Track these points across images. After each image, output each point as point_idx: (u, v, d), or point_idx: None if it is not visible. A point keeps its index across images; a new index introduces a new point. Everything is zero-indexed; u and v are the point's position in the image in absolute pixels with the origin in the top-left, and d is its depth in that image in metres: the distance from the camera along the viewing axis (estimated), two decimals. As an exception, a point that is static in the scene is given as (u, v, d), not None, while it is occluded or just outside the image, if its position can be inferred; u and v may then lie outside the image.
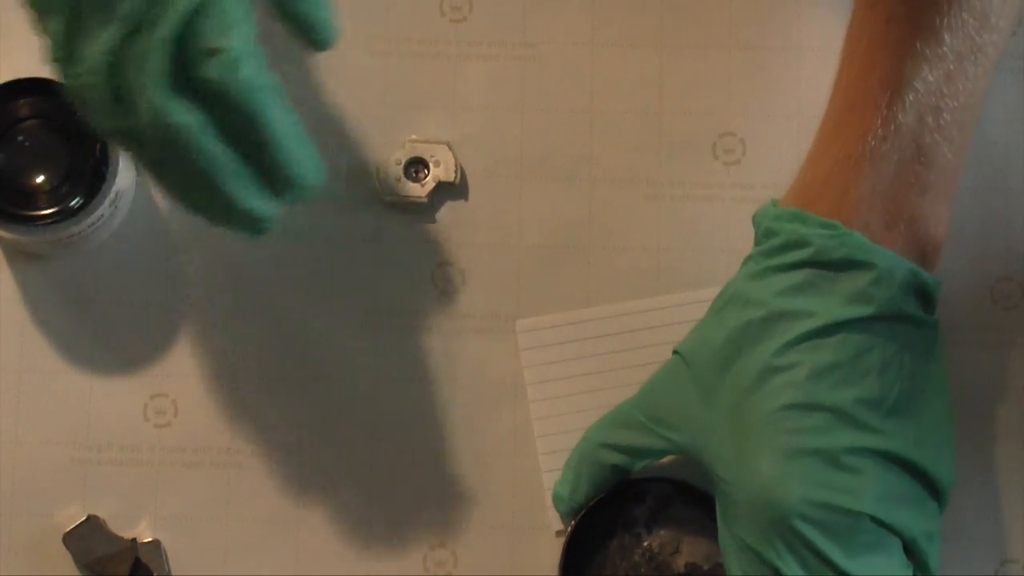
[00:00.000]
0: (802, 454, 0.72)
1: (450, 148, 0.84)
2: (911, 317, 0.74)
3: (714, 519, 0.79)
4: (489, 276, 0.85)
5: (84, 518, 0.82)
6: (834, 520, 0.72)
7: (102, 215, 0.80)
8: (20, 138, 0.79)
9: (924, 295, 0.75)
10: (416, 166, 0.85)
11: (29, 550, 0.82)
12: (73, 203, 0.79)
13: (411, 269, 0.85)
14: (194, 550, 0.83)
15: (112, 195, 0.79)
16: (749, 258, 0.77)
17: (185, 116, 0.67)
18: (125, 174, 0.81)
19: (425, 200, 0.84)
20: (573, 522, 0.80)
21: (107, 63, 0.67)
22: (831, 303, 0.73)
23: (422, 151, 0.85)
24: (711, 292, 0.84)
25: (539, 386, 0.84)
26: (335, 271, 0.84)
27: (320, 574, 0.82)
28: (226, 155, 0.68)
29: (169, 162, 0.69)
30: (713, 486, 0.76)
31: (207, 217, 0.71)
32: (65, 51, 0.68)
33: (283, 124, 0.68)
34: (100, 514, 0.82)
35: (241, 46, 0.67)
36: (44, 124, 0.79)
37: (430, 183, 0.84)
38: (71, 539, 0.82)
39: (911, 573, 0.74)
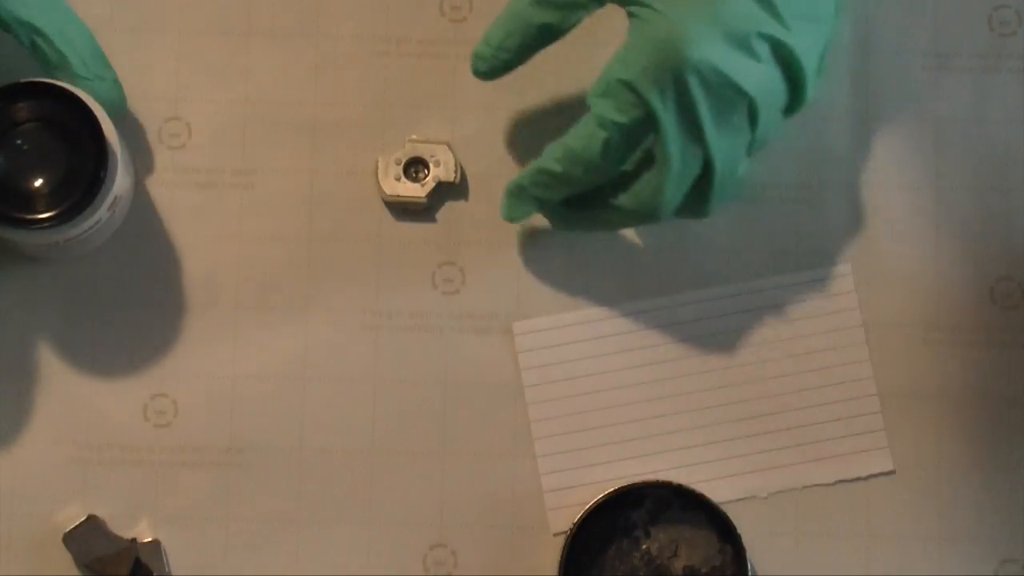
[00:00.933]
0: (717, 22, 0.76)
1: (450, 148, 0.84)
2: None
3: (713, 522, 0.80)
4: (489, 276, 0.85)
5: (84, 518, 0.82)
6: (720, 91, 0.76)
7: (99, 219, 0.80)
8: (19, 141, 0.78)
9: None
10: (416, 166, 0.85)
11: (29, 550, 0.83)
12: (71, 206, 0.78)
13: (411, 269, 0.85)
14: (194, 550, 0.83)
15: (110, 199, 0.79)
16: None
17: None
18: (124, 178, 0.81)
19: (425, 200, 0.84)
20: (573, 525, 0.80)
21: None
22: None
23: (422, 151, 0.84)
24: (711, 292, 0.84)
25: (537, 388, 0.84)
26: (335, 271, 0.84)
27: (320, 574, 0.82)
28: None
29: None
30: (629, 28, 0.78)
31: None
32: None
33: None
34: (100, 514, 0.82)
35: None
36: (43, 127, 0.79)
37: (430, 183, 0.84)
38: (71, 539, 0.82)
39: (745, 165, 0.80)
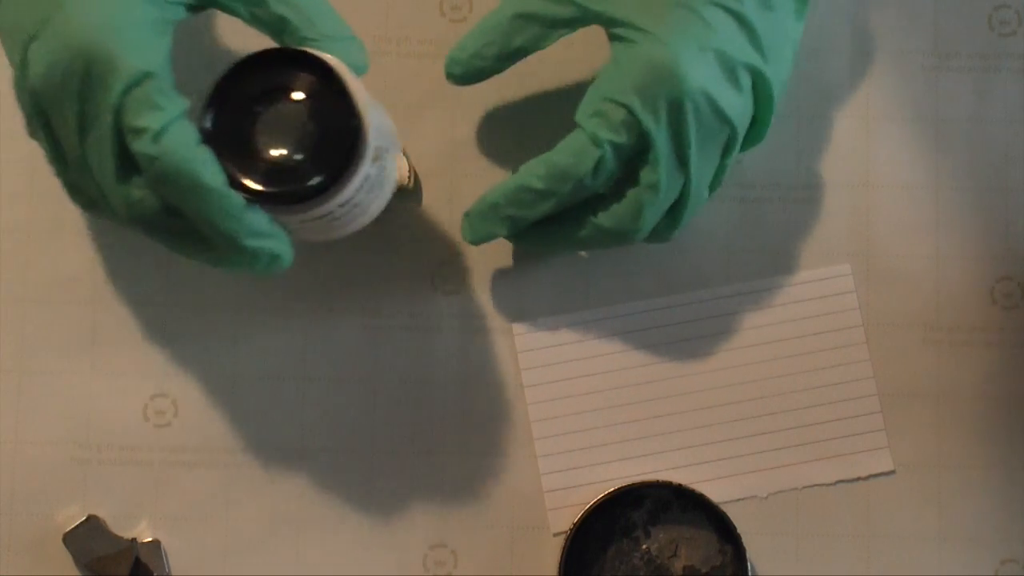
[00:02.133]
0: (710, 50, 0.76)
1: (404, 152, 0.84)
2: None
3: (713, 522, 0.80)
4: (489, 276, 0.85)
5: (84, 518, 0.82)
6: (710, 119, 0.76)
7: (367, 175, 0.74)
8: (267, 116, 0.73)
9: None
10: None
11: (29, 550, 0.83)
12: (330, 174, 0.72)
13: (411, 269, 0.85)
14: (194, 550, 0.83)
15: (371, 152, 0.74)
16: None
17: (146, 196, 0.73)
18: (383, 128, 0.76)
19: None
20: (573, 525, 0.80)
21: (82, 163, 0.74)
22: None
23: None
24: (710, 292, 0.84)
25: (537, 388, 0.84)
26: (335, 271, 0.84)
27: (320, 574, 0.83)
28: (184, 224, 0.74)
29: (160, 232, 0.75)
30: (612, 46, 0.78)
31: (221, 266, 0.76)
32: (57, 160, 0.77)
33: (214, 191, 0.72)
34: (100, 514, 0.83)
35: (165, 123, 0.72)
36: (282, 97, 0.73)
37: None
38: (71, 539, 0.82)
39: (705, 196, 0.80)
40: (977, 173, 0.85)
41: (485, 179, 0.85)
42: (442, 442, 0.83)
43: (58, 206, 0.85)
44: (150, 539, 0.82)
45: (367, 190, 0.75)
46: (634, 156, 0.77)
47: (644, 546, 0.81)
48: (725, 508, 0.81)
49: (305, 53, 0.73)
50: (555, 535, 0.83)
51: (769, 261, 0.85)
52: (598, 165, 0.77)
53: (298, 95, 0.73)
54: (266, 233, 0.73)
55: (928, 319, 0.84)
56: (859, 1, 0.86)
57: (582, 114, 0.78)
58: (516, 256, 0.85)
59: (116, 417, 0.83)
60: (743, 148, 0.81)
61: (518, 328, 0.84)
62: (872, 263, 0.84)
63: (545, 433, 0.83)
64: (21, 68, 0.75)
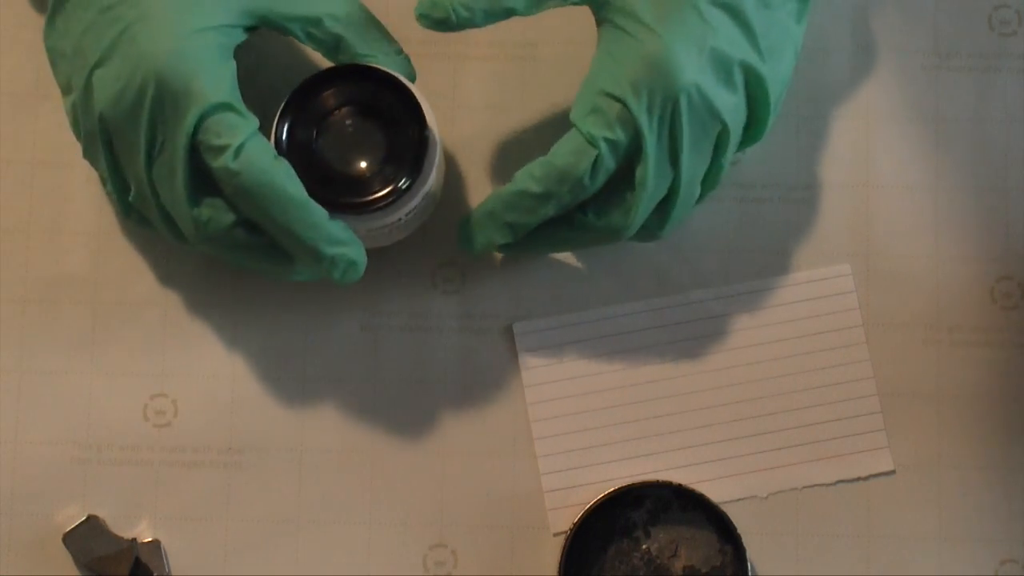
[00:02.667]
0: (706, 46, 0.76)
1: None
2: None
3: (713, 522, 0.80)
4: (489, 276, 0.85)
5: (84, 518, 0.82)
6: (703, 115, 0.77)
7: (429, 187, 0.79)
8: (337, 128, 0.78)
9: None
10: None
11: (29, 550, 0.83)
12: (402, 183, 0.77)
13: (411, 269, 0.85)
14: (194, 550, 0.83)
15: (435, 167, 0.79)
16: None
17: (215, 214, 0.77)
18: (437, 143, 0.79)
19: None
20: (573, 525, 0.80)
21: (148, 183, 0.77)
22: None
23: None
24: (710, 292, 0.84)
25: (537, 388, 0.84)
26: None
27: (320, 574, 0.83)
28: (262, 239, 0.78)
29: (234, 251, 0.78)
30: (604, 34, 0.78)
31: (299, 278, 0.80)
32: (116, 182, 0.79)
33: (295, 201, 0.76)
34: (100, 514, 0.83)
35: (244, 139, 0.75)
36: (354, 110, 0.78)
37: None
38: (71, 539, 0.82)
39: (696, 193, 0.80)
40: (977, 173, 0.85)
41: (485, 180, 0.85)
42: (442, 442, 0.83)
43: (58, 206, 0.85)
44: (150, 539, 0.82)
45: (429, 198, 0.79)
46: (632, 153, 0.77)
47: (644, 546, 0.81)
48: (725, 508, 0.81)
49: (374, 69, 0.78)
50: (555, 535, 0.83)
51: (769, 261, 0.85)
52: (596, 164, 0.77)
53: (368, 108, 0.77)
54: (344, 241, 0.77)
55: (928, 319, 0.84)
56: (859, 1, 0.86)
57: (577, 114, 0.78)
58: (516, 256, 0.85)
59: (116, 417, 0.83)
60: (741, 147, 0.81)
61: (518, 328, 0.84)
62: (872, 263, 0.84)
63: (545, 433, 0.83)
64: (84, 92, 0.77)
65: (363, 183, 0.77)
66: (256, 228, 0.78)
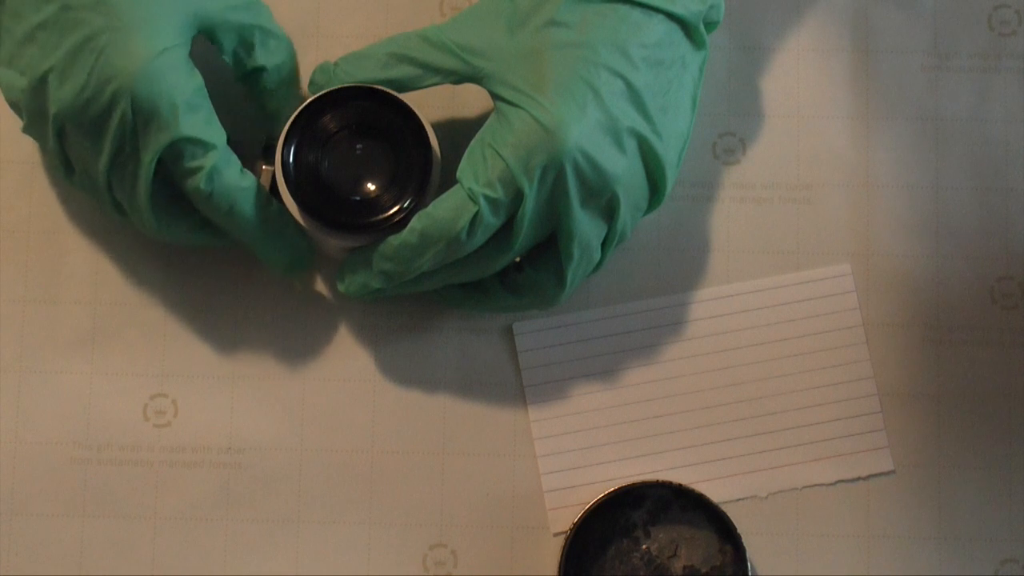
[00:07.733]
0: (591, 113, 0.76)
1: None
2: (701, 38, 0.80)
3: (713, 522, 0.80)
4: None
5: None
6: (591, 179, 0.77)
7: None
8: (343, 148, 0.79)
9: (707, 25, 0.81)
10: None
11: (29, 550, 0.83)
12: (407, 203, 0.78)
13: (411, 269, 0.85)
14: (194, 550, 0.83)
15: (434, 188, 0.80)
16: None
17: (173, 227, 0.80)
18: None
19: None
20: (573, 525, 0.80)
21: (104, 180, 0.78)
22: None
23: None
24: (710, 292, 0.84)
25: (537, 388, 0.84)
26: (335, 271, 0.84)
27: (320, 574, 0.83)
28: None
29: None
30: (495, 110, 0.78)
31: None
32: (62, 158, 0.79)
33: (258, 217, 0.79)
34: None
35: (215, 162, 0.77)
36: (357, 131, 0.79)
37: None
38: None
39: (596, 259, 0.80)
40: (977, 173, 0.85)
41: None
42: (442, 442, 0.83)
43: (58, 206, 0.85)
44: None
45: None
46: (516, 211, 0.78)
47: (644, 546, 0.81)
48: (725, 508, 0.81)
49: (376, 90, 0.78)
50: (555, 535, 0.83)
51: (769, 261, 0.85)
52: (474, 221, 0.77)
53: (370, 129, 0.79)
54: (297, 249, 0.81)
55: (928, 319, 0.84)
56: (859, 1, 0.86)
57: (462, 169, 0.78)
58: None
59: (116, 417, 0.83)
60: (647, 211, 0.81)
61: (518, 328, 0.84)
62: (872, 263, 0.84)
63: (545, 433, 0.83)
64: (35, 86, 0.77)
65: (371, 203, 0.78)
66: (214, 225, 0.80)
